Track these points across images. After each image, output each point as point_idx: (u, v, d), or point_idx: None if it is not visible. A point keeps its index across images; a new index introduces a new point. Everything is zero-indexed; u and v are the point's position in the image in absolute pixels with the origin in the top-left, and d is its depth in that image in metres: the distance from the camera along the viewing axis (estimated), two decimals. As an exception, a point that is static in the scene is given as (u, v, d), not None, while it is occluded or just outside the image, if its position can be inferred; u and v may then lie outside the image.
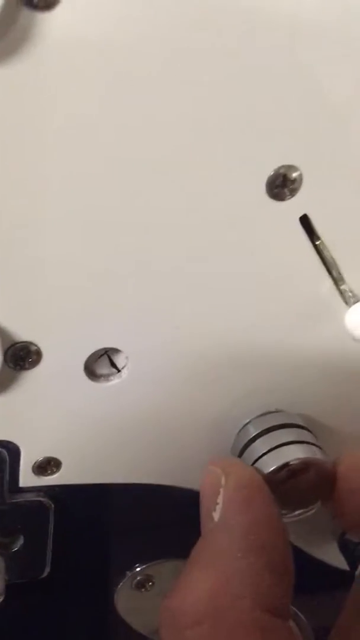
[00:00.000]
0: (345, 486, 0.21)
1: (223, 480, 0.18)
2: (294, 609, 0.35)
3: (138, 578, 0.31)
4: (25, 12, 0.16)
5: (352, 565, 0.28)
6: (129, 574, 0.31)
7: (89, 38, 0.17)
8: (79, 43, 0.17)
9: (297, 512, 0.24)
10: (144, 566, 0.31)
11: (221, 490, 0.18)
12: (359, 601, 0.18)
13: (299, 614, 0.35)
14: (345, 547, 0.29)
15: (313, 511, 0.24)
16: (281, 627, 0.16)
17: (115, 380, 0.24)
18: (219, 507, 0.18)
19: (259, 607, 0.16)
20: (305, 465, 0.22)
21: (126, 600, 0.32)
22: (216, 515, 0.18)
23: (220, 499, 0.18)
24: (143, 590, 0.31)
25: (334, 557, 0.30)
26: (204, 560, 0.17)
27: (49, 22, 0.17)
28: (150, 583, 0.31)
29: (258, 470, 0.22)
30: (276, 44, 0.18)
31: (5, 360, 0.21)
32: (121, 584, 0.31)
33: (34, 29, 0.17)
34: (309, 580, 0.27)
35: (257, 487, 0.19)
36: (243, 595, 0.16)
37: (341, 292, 0.23)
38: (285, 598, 0.17)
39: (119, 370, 0.24)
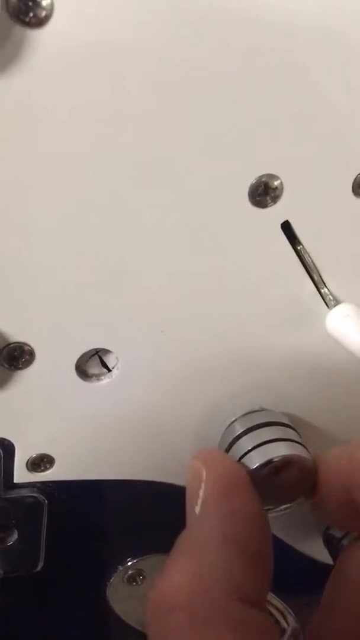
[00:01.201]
0: (325, 489, 0.21)
1: (204, 475, 0.19)
2: (287, 608, 0.36)
3: (130, 572, 0.31)
4: (18, 29, 0.17)
5: (336, 559, 0.29)
6: (120, 568, 0.31)
7: (80, 51, 0.17)
8: (71, 56, 0.17)
9: (282, 507, 0.24)
10: (135, 560, 0.31)
11: (202, 484, 0.18)
12: (344, 571, 0.19)
13: (291, 612, 0.35)
14: (329, 542, 0.29)
15: (297, 506, 0.24)
16: (254, 615, 0.16)
17: (105, 380, 0.24)
18: (199, 501, 0.18)
19: (232, 596, 0.16)
20: (288, 462, 0.23)
21: (118, 594, 0.32)
22: (197, 509, 0.18)
23: (201, 493, 0.18)
24: (134, 584, 0.31)
25: (318, 551, 0.31)
26: (183, 551, 0.18)
27: (42, 37, 0.17)
28: (141, 577, 0.31)
29: (242, 465, 0.23)
30: (260, 58, 0.19)
31: (-1, 360, 0.22)
32: (113, 577, 0.31)
33: (27, 44, 0.17)
34: (300, 581, 0.28)
35: (233, 480, 0.19)
36: (217, 584, 0.16)
37: (322, 296, 0.24)
38: (260, 588, 0.17)
39: (109, 370, 0.24)
